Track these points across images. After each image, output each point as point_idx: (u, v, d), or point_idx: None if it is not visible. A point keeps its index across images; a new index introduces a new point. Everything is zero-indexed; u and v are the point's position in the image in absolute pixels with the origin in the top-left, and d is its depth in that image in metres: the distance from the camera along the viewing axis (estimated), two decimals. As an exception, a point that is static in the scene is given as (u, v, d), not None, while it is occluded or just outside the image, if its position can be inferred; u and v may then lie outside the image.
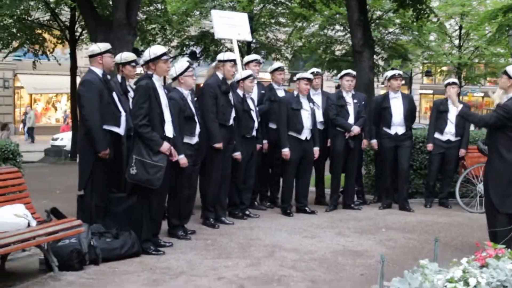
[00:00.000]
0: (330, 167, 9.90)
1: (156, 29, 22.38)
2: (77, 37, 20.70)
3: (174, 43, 24.40)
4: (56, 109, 38.10)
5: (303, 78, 9.19)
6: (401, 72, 10.16)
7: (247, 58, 9.72)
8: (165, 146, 6.71)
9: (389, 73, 10.09)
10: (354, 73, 9.89)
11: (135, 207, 6.86)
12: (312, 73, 9.70)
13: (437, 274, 5.54)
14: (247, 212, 9.00)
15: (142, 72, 7.02)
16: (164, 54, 6.91)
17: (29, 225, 5.88)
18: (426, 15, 19.14)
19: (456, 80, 10.33)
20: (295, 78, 9.43)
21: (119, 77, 7.86)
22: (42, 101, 37.94)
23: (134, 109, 6.71)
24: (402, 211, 9.68)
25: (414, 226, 8.61)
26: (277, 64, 9.91)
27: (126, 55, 8.07)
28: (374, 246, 7.45)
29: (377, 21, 25.59)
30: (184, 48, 24.33)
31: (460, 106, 7.10)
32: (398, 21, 26.02)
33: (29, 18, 20.02)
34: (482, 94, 44.77)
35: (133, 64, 7.99)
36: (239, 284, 5.83)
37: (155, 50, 6.92)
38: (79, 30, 20.75)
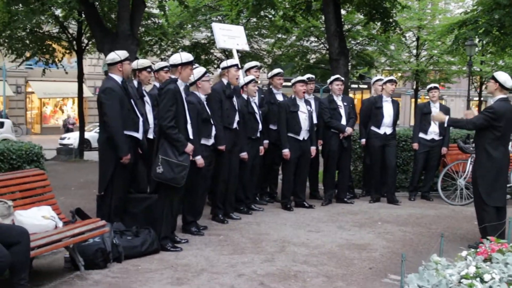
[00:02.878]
0: (324, 165, 9.35)
1: (153, 41, 21.80)
2: (83, 47, 20.02)
3: (169, 52, 23.69)
4: (62, 112, 37.28)
5: (298, 81, 8.67)
6: (395, 78, 9.64)
7: (248, 65, 9.12)
8: (190, 147, 6.20)
9: (385, 78, 9.65)
10: (342, 78, 9.45)
11: (157, 205, 6.29)
12: (308, 78, 9.12)
13: (447, 268, 5.05)
14: (252, 206, 8.46)
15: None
16: (193, 61, 6.41)
17: (56, 227, 5.26)
18: (392, 27, 18.88)
19: (437, 85, 9.88)
20: (290, 83, 8.88)
21: (135, 82, 7.23)
22: (50, 104, 37.19)
23: (163, 111, 6.12)
24: (390, 204, 9.20)
25: (406, 219, 8.11)
26: (276, 70, 9.34)
27: (142, 62, 7.48)
28: (375, 240, 6.92)
29: (346, 33, 25.28)
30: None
31: (446, 118, 6.73)
32: (365, 33, 25.78)
33: (40, 31, 19.36)
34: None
35: (149, 69, 7.40)
36: (259, 281, 5.26)
37: (187, 55, 6.41)
38: (85, 41, 20.10)
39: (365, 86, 39.85)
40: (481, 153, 6.52)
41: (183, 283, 5.14)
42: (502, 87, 6.47)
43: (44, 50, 19.76)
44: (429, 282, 4.71)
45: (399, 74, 34.35)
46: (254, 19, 22.54)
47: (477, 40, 21.02)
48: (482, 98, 33.92)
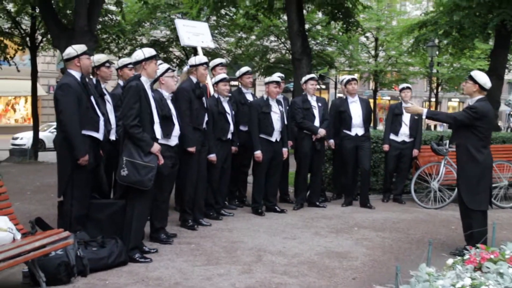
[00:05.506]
0: (296, 167, 8.97)
1: (110, 38, 21.12)
2: (37, 44, 19.18)
3: (127, 50, 23.07)
4: (15, 111, 35.88)
5: (272, 82, 8.29)
6: (355, 77, 9.34)
7: (213, 62, 8.65)
8: (156, 147, 5.73)
9: (345, 78, 9.33)
10: (317, 77, 9.10)
11: (126, 212, 5.79)
12: (280, 78, 8.72)
13: (437, 279, 4.75)
14: (222, 212, 8.01)
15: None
16: (157, 55, 5.91)
17: (14, 239, 4.70)
18: (354, 27, 18.77)
19: (409, 85, 9.63)
20: (264, 82, 8.49)
21: (93, 80, 6.68)
22: (2, 103, 35.59)
23: (125, 109, 5.64)
24: (364, 208, 8.88)
25: (383, 224, 7.79)
26: (245, 69, 8.91)
27: (99, 57, 6.92)
28: (354, 247, 6.57)
29: (306, 33, 25.12)
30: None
31: (425, 111, 6.38)
32: (325, 33, 25.69)
33: (-9, 27, 18.46)
34: (389, 98, 44.96)
35: (107, 65, 6.86)
36: (239, 295, 4.84)
37: (150, 50, 5.96)
38: (39, 37, 19.28)
39: (324, 87, 39.82)
40: (463, 155, 6.22)
41: (157, 300, 4.68)
42: (482, 88, 6.22)
43: (-5, 46, 18.92)
44: (425, 297, 4.40)
45: (356, 75, 34.54)
46: (214, 18, 22.13)
47: (436, 41, 21.10)
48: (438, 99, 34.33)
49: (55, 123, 23.19)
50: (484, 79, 6.19)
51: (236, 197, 8.96)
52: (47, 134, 24.15)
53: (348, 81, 9.12)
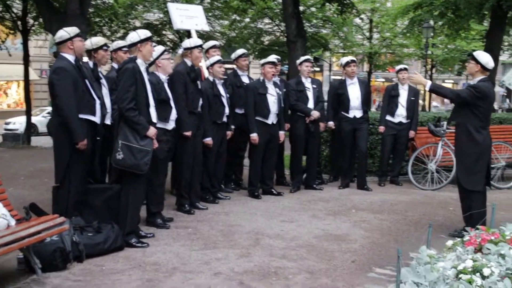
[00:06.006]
0: (292, 150, 8.89)
1: (103, 21, 20.88)
2: (29, 28, 18.91)
3: (120, 34, 22.80)
4: (7, 95, 35.52)
5: (267, 63, 8.18)
6: (354, 59, 9.21)
7: (206, 45, 8.48)
8: (152, 130, 5.61)
9: (344, 60, 9.20)
10: (312, 58, 9.00)
11: (120, 196, 5.69)
12: (276, 59, 8.58)
13: (437, 261, 4.70)
14: (218, 195, 7.94)
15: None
16: (152, 37, 5.80)
17: (8, 226, 4.61)
18: (349, 9, 18.61)
19: (406, 66, 9.53)
20: (260, 63, 8.38)
21: (90, 63, 6.53)
22: (-7, 88, 35.34)
23: (121, 92, 5.51)
24: (361, 190, 8.82)
25: (380, 206, 7.74)
26: (241, 51, 8.79)
27: (97, 40, 6.76)
28: (352, 229, 6.51)
29: (300, 15, 24.95)
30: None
31: (429, 83, 6.25)
32: (319, 15, 25.49)
33: (-19, 10, 18.18)
34: (383, 80, 44.81)
35: (105, 48, 6.72)
36: (238, 280, 4.75)
37: (145, 31, 5.82)
38: (31, 21, 19.00)
39: (318, 69, 39.61)
40: (462, 134, 6.17)
41: (155, 285, 4.59)
42: (484, 68, 6.14)
43: (-14, 30, 18.70)
44: (426, 279, 4.34)
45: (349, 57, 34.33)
46: (208, 0, 21.90)
47: (432, 22, 20.97)
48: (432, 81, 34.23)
49: (47, 108, 23.01)
50: (486, 59, 6.13)
51: (232, 180, 8.87)
52: (40, 118, 23.94)
53: (347, 63, 9.01)
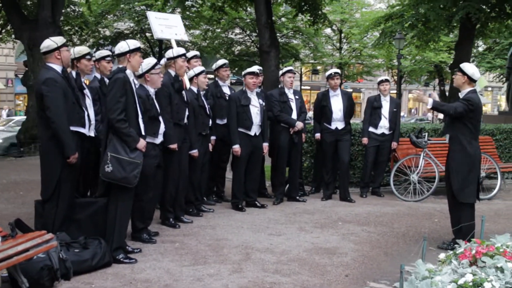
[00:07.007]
0: (273, 161, 8.79)
1: (73, 30, 20.56)
2: (-4, 36, 18.53)
3: (89, 43, 22.52)
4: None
5: (249, 73, 8.07)
6: (338, 71, 9.18)
7: (188, 55, 8.34)
8: (142, 143, 5.45)
9: (327, 72, 9.19)
10: (295, 70, 8.94)
11: (109, 210, 5.50)
12: (258, 69, 8.51)
13: (434, 275, 4.67)
14: (202, 208, 7.78)
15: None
16: (140, 47, 5.62)
17: (-6, 243, 4.39)
18: (321, 20, 18.69)
19: (388, 78, 9.55)
20: (242, 74, 8.28)
21: (73, 73, 6.32)
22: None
23: (111, 103, 5.31)
24: (344, 202, 8.77)
25: (366, 218, 7.69)
26: (222, 61, 8.68)
27: (79, 49, 6.51)
28: (341, 242, 6.43)
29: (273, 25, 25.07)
30: (100, 48, 22.49)
31: (430, 100, 6.22)
32: (290, 25, 25.61)
33: None
34: (351, 90, 45.22)
35: (88, 57, 6.50)
36: (234, 297, 4.63)
37: (134, 42, 5.69)
38: (-1, 28, 18.59)
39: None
40: (455, 146, 6.18)
41: (150, 304, 4.44)
42: (470, 79, 6.16)
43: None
44: (427, 295, 4.30)
45: (318, 68, 34.63)
46: (179, 10, 21.75)
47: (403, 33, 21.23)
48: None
49: (15, 118, 22.31)
50: (472, 70, 6.15)
51: (214, 192, 8.73)
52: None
53: (331, 75, 8.98)
